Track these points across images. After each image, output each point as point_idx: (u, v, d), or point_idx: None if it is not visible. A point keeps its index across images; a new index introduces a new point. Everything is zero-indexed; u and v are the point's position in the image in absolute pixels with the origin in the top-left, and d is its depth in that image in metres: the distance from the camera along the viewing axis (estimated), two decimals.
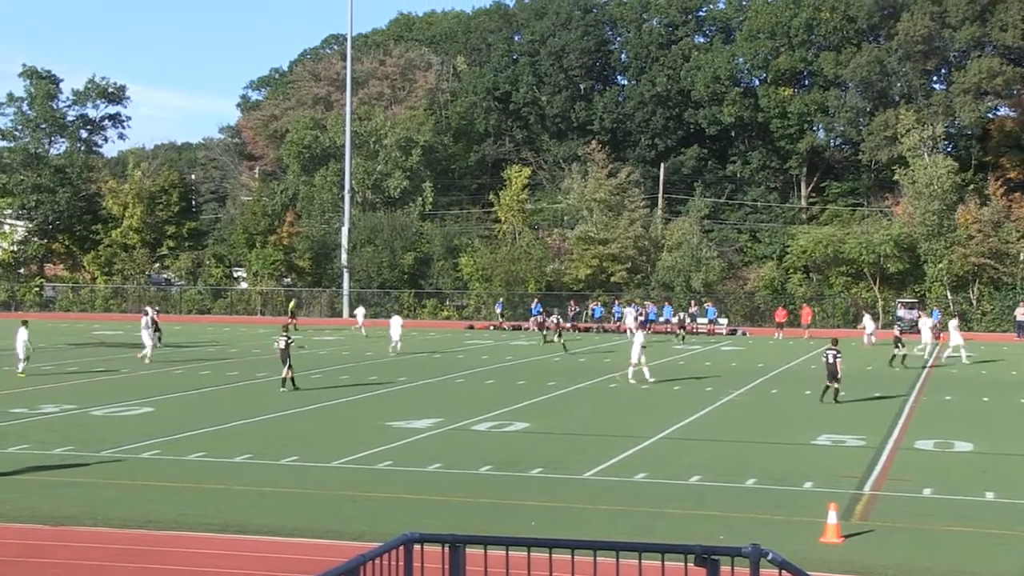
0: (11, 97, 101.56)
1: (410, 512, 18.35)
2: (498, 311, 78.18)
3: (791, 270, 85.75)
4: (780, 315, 70.45)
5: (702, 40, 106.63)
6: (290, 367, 36.02)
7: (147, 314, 51.37)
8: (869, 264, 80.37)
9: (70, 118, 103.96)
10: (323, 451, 24.42)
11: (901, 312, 75.02)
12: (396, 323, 54.22)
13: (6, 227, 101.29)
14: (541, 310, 72.70)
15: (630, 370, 39.38)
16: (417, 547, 9.15)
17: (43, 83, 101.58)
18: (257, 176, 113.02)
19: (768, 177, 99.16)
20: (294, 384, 35.92)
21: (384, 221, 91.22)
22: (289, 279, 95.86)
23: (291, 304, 77.48)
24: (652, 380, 38.43)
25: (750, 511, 18.85)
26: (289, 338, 36.81)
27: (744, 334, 70.80)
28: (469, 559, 9.12)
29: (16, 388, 36.08)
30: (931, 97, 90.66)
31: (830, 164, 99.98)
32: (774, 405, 34.02)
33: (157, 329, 57.58)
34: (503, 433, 27.59)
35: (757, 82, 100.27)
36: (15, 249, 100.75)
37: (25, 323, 41.19)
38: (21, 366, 40.13)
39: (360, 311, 71.64)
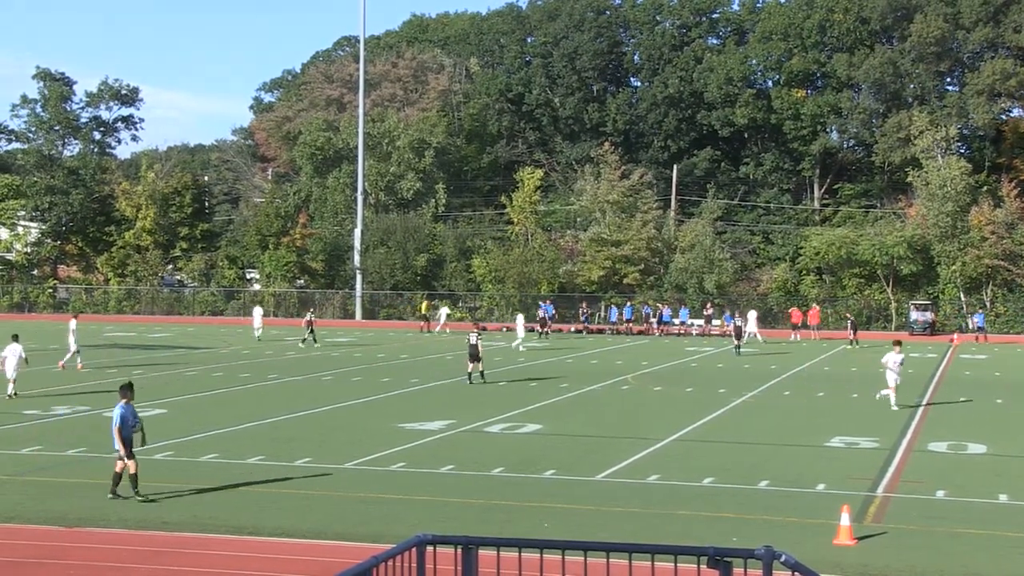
0: (25, 99, 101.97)
1: (423, 514, 18.36)
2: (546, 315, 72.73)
3: (804, 272, 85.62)
4: (795, 316, 70.24)
5: (715, 42, 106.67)
6: (480, 361, 39.67)
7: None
8: (882, 266, 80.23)
9: (83, 120, 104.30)
10: (336, 453, 24.45)
11: (914, 314, 74.89)
12: (520, 321, 59.11)
13: (19, 229, 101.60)
14: (553, 311, 72.66)
15: (891, 395, 32.86)
16: (430, 549, 9.17)
17: (56, 85, 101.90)
18: (270, 178, 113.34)
19: (781, 179, 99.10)
20: (482, 376, 39.64)
21: (397, 223, 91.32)
22: (302, 280, 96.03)
23: (425, 306, 77.53)
24: (896, 408, 32.37)
25: (763, 513, 18.83)
26: (480, 336, 40.22)
27: (756, 336, 70.57)
28: (482, 561, 9.13)
29: (29, 389, 36.14)
30: (944, 99, 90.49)
31: (843, 166, 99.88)
32: (787, 407, 33.96)
33: (311, 331, 58.04)
34: (516, 435, 27.58)
35: (770, 84, 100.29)
36: (28, 251, 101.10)
37: (15, 337, 36.13)
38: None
39: (443, 311, 73.05)
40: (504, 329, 76.00)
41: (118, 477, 19.51)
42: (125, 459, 19.45)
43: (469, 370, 39.66)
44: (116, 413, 19.72)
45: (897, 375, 32.94)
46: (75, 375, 41.30)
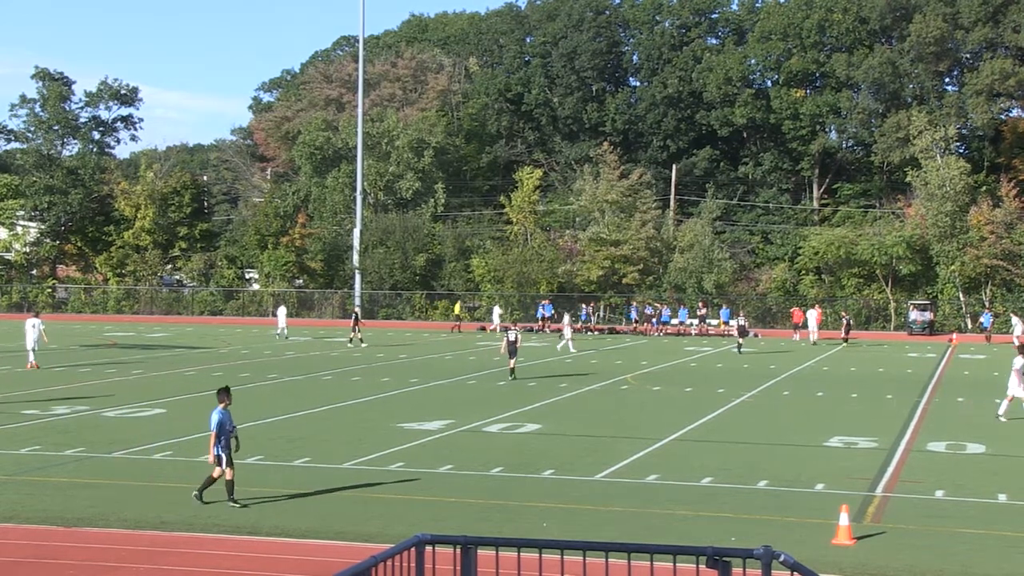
0: (24, 99, 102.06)
1: (422, 513, 18.34)
2: (547, 314, 75.45)
3: (803, 272, 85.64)
4: (797, 316, 70.23)
5: (714, 42, 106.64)
6: (515, 359, 40.72)
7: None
8: (881, 266, 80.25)
9: (83, 120, 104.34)
10: (335, 452, 24.43)
11: (913, 314, 74.87)
12: (567, 321, 59.22)
13: (19, 228, 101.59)
14: (553, 311, 72.69)
15: (1005, 402, 30.92)
16: (429, 548, 9.17)
17: (56, 85, 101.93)
18: (269, 177, 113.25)
19: (780, 178, 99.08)
20: (512, 374, 40.39)
21: (396, 222, 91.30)
22: (301, 280, 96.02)
23: (458, 308, 78.25)
24: (1003, 419, 30.38)
25: (762, 513, 18.81)
26: (518, 332, 41.54)
27: (756, 335, 70.62)
28: (480, 560, 9.13)
29: (28, 389, 36.13)
30: (944, 98, 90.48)
31: (842, 165, 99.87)
32: (786, 407, 33.95)
33: (356, 330, 58.02)
34: (515, 435, 27.57)
35: (769, 83, 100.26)
36: (28, 251, 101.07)
37: None
38: None
39: (496, 311, 74.39)
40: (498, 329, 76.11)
41: (231, 484, 19.03)
42: (224, 466, 18.92)
43: (511, 366, 40.65)
44: (214, 419, 19.05)
45: (1019, 381, 30.33)
46: (74, 375, 41.26)
